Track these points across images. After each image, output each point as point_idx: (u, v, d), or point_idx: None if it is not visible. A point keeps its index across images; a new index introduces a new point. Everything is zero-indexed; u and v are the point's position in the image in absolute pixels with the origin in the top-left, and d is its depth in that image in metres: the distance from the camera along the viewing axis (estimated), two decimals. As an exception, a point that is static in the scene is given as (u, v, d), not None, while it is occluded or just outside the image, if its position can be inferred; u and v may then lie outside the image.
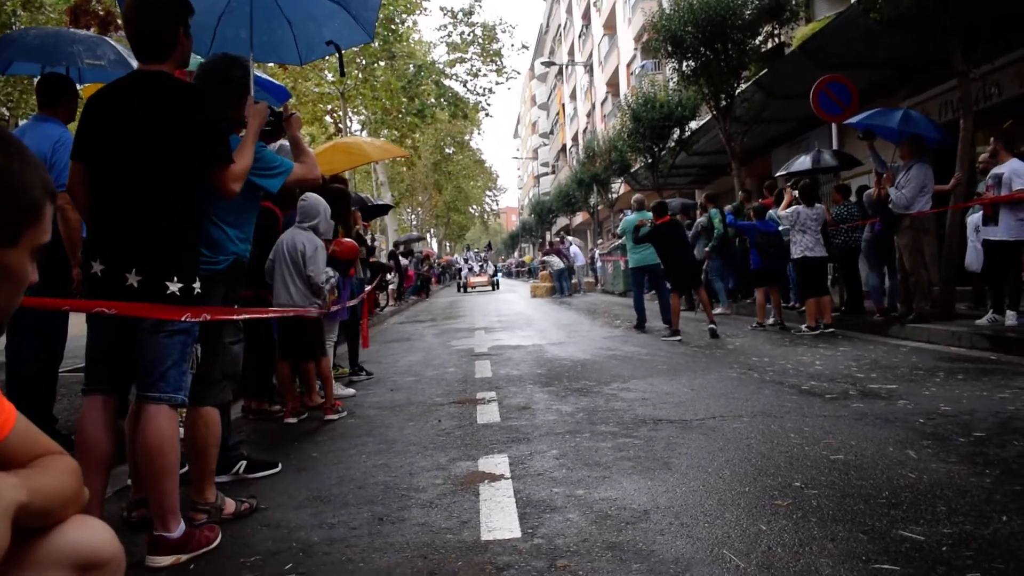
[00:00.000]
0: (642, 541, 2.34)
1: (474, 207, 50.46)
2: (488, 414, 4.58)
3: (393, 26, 18.36)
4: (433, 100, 20.58)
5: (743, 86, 12.24)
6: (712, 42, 11.66)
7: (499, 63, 21.25)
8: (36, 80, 4.33)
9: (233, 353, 2.89)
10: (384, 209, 14.41)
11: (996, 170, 6.74)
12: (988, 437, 3.36)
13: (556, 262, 21.61)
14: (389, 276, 15.24)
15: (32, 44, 4.34)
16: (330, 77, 18.86)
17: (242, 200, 2.73)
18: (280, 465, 3.55)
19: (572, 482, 3.03)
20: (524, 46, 25.50)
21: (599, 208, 30.44)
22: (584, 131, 43.04)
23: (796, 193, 8.64)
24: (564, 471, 3.21)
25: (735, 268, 11.47)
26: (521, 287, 32.01)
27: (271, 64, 12.37)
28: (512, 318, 13.45)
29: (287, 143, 3.50)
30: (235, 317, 2.88)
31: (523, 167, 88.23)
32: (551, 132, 62.30)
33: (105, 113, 2.48)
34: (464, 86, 21.37)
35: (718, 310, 11.37)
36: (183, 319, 2.44)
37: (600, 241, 29.94)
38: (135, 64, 2.67)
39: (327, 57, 4.66)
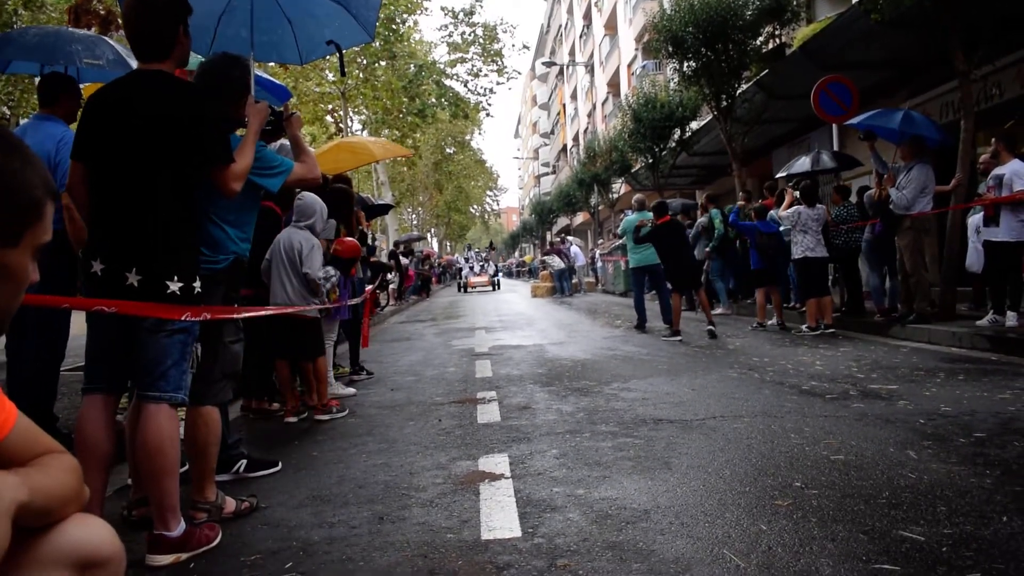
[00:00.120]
0: (642, 541, 2.34)
1: (475, 207, 50.48)
2: (488, 414, 4.58)
3: (394, 26, 18.37)
4: (434, 100, 20.60)
5: (744, 87, 12.24)
6: (713, 42, 11.66)
7: (500, 63, 21.30)
8: (37, 79, 4.34)
9: (233, 352, 2.89)
10: (385, 209, 14.42)
11: (997, 171, 6.74)
12: (989, 438, 3.36)
13: (557, 262, 21.61)
14: (390, 276, 15.25)
15: (31, 43, 4.33)
16: (331, 77, 18.87)
17: (242, 199, 2.73)
18: (280, 464, 3.55)
19: (572, 482, 3.03)
20: (525, 46, 25.52)
21: (600, 208, 30.45)
22: (585, 131, 43.05)
23: (797, 194, 8.64)
24: (564, 471, 3.21)
25: (736, 268, 11.47)
26: (522, 287, 32.01)
27: (272, 63, 12.38)
28: (512, 318, 13.45)
29: (287, 143, 3.50)
30: (235, 316, 2.89)
31: (524, 167, 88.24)
32: (552, 132, 62.31)
33: (105, 112, 2.48)
34: (465, 86, 21.43)
35: (719, 310, 11.37)
36: (183, 318, 2.44)
37: (601, 241, 29.94)
38: (134, 64, 2.67)
39: (328, 57, 4.66)
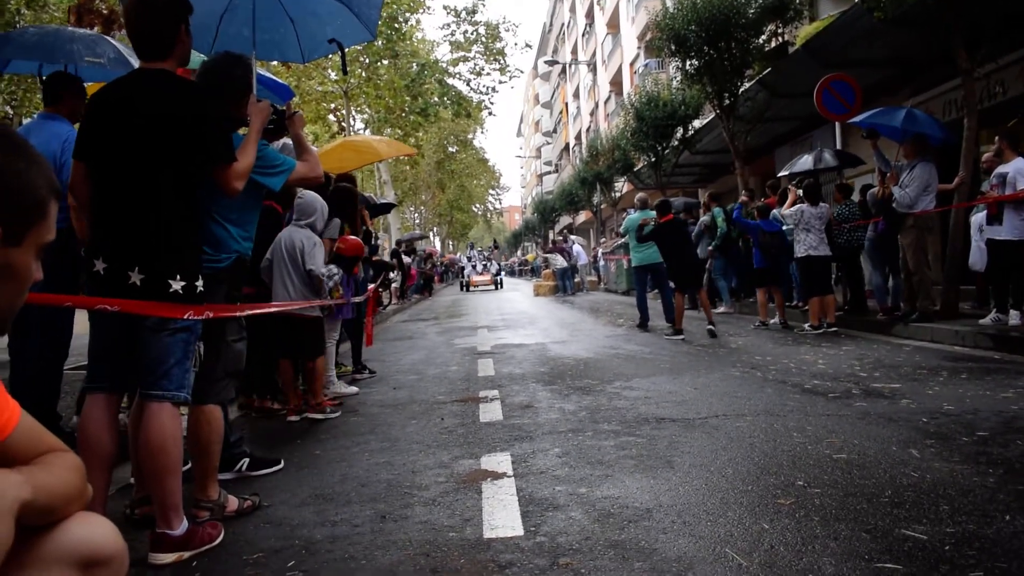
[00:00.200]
0: (644, 539, 2.34)
1: (477, 206, 50.46)
2: (491, 412, 4.58)
3: (396, 25, 18.37)
4: (436, 99, 20.60)
5: (747, 85, 12.23)
6: (716, 41, 11.64)
7: (502, 62, 21.29)
8: (42, 78, 4.33)
9: (236, 351, 2.89)
10: (387, 208, 14.43)
11: (1001, 169, 6.72)
12: (991, 436, 3.35)
13: (559, 260, 21.60)
14: (392, 275, 15.26)
15: (31, 42, 4.33)
16: (333, 76, 18.89)
17: (244, 198, 2.74)
18: (282, 462, 3.56)
19: (575, 480, 3.03)
20: (527, 45, 25.57)
21: (602, 207, 30.42)
22: (587, 130, 43.00)
23: (800, 192, 8.63)
24: (567, 469, 3.21)
25: (738, 267, 11.46)
26: (524, 285, 32.00)
27: (275, 62, 12.38)
28: (515, 317, 13.45)
29: (290, 141, 3.50)
30: (238, 314, 2.89)
31: (526, 166, 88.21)
32: (554, 131, 62.26)
33: (107, 111, 2.48)
34: (467, 85, 21.54)
35: (721, 309, 11.37)
36: (186, 317, 2.45)
37: (603, 240, 29.92)
38: (135, 62, 2.67)
39: (330, 55, 4.66)
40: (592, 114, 42.70)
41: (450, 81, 20.95)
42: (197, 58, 3.96)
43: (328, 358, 5.45)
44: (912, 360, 5.78)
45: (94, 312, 2.45)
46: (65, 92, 3.90)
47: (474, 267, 30.51)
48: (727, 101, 12.15)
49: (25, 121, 9.72)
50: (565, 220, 45.89)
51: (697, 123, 16.70)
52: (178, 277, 2.43)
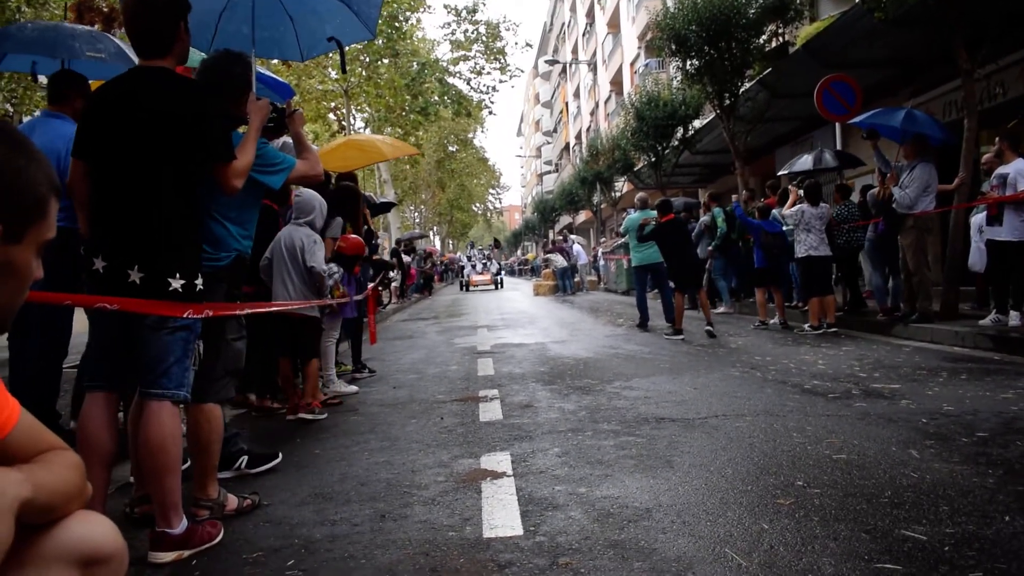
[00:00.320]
0: (644, 539, 2.34)
1: (477, 205, 50.45)
2: (490, 412, 4.58)
3: (397, 24, 18.37)
4: (436, 98, 20.60)
5: (747, 85, 12.22)
6: (716, 41, 11.64)
7: (503, 61, 21.29)
8: (34, 77, 4.31)
9: (236, 349, 2.89)
10: (387, 207, 14.43)
11: (1001, 170, 6.72)
12: (991, 437, 3.35)
13: (559, 260, 21.60)
14: (392, 274, 15.26)
15: (29, 37, 4.30)
16: (334, 74, 18.88)
17: (244, 196, 2.73)
18: (280, 455, 3.55)
19: (574, 480, 3.03)
20: (528, 44, 25.63)
21: (602, 207, 30.42)
22: (588, 129, 43.00)
23: (801, 192, 8.63)
24: (566, 469, 3.21)
25: (738, 267, 11.46)
26: (524, 285, 32.00)
27: (275, 61, 12.37)
28: (515, 316, 13.45)
29: (290, 140, 3.50)
30: (237, 312, 2.89)
31: (526, 165, 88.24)
32: (554, 130, 62.27)
33: (107, 109, 2.48)
34: (468, 84, 21.52)
35: (721, 309, 11.37)
36: (185, 315, 2.45)
37: (603, 239, 29.91)
38: (136, 58, 2.66)
39: (330, 54, 4.66)
40: (592, 114, 42.71)
41: (450, 80, 20.97)
42: (196, 56, 3.96)
43: (328, 357, 5.45)
44: (912, 361, 5.78)
45: (93, 311, 2.45)
46: (70, 90, 3.86)
47: (474, 267, 30.44)
48: (727, 101, 12.15)
49: (26, 119, 9.70)
50: (565, 220, 45.88)
51: (697, 123, 16.70)
52: (178, 275, 2.42)
